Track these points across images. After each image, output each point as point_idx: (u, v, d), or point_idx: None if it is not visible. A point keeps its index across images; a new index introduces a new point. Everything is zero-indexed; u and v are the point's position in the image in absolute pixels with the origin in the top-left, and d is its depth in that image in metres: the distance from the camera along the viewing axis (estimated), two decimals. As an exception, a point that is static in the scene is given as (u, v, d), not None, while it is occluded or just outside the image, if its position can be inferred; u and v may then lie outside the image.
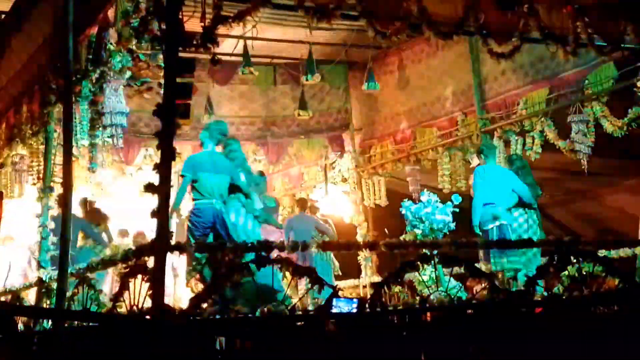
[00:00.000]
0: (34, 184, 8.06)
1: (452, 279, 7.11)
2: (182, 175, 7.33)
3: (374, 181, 11.90)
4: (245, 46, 9.74)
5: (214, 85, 10.89)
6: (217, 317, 5.79)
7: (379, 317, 6.23)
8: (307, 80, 10.31)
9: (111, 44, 6.70)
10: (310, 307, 6.13)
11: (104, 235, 9.88)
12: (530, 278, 6.69)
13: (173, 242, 5.78)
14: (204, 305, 5.80)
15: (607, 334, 6.35)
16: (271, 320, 5.92)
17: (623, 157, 9.50)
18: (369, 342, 5.99)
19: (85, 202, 10.05)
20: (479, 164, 8.36)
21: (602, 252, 7.49)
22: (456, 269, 6.93)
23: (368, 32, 6.53)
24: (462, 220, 8.16)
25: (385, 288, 6.41)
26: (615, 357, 6.22)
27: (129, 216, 10.90)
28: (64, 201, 6.65)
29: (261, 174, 9.80)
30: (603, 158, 9.23)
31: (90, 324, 6.41)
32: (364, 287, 10.79)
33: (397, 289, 6.82)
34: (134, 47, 6.58)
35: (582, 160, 8.91)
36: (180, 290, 9.33)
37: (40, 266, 7.33)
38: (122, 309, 6.08)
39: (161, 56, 6.13)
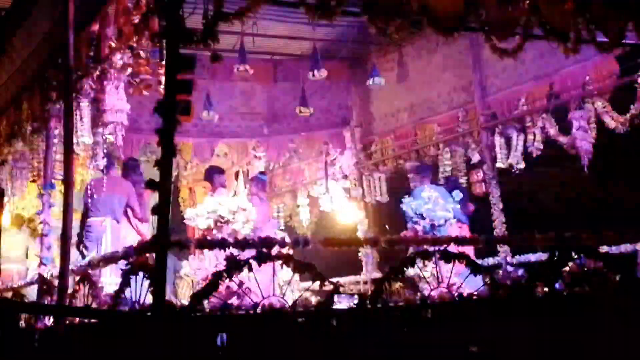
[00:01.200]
0: (34, 180, 8.07)
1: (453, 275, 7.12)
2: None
3: (375, 177, 11.90)
4: (241, 43, 9.72)
5: (214, 82, 10.86)
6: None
7: (379, 313, 6.23)
8: (313, 76, 10.27)
9: (112, 40, 6.70)
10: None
11: None
12: (532, 274, 6.69)
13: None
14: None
15: (607, 330, 6.36)
16: (272, 316, 5.93)
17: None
18: (370, 338, 5.99)
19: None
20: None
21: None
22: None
23: (369, 28, 6.52)
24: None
25: (386, 284, 6.42)
26: (615, 353, 6.23)
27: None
28: (65, 198, 6.66)
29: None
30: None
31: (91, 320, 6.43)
32: (365, 283, 10.80)
33: (397, 285, 6.83)
34: (134, 44, 6.58)
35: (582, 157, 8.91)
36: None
37: (41, 263, 7.35)
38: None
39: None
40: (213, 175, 9.54)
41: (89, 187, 8.68)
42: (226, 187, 9.68)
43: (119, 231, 8.60)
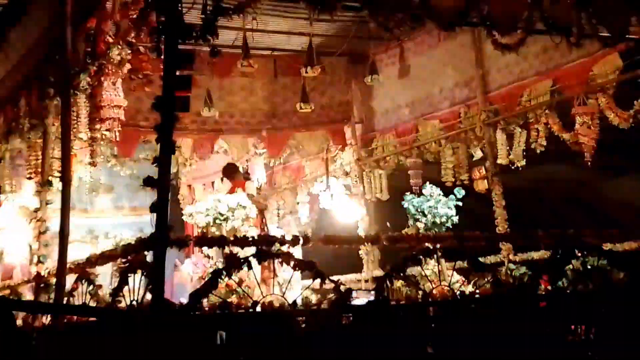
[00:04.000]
0: (32, 178, 8.02)
1: (455, 273, 7.07)
2: None
3: (376, 174, 11.83)
4: (244, 39, 9.64)
5: (214, 78, 10.79)
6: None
7: (381, 311, 6.18)
8: (306, 72, 10.20)
9: (110, 36, 6.63)
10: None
11: None
12: (535, 272, 6.64)
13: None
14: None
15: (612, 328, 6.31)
16: (273, 314, 5.88)
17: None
18: (371, 336, 5.94)
19: None
20: None
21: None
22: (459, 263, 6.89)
23: (370, 23, 6.46)
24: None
25: (388, 282, 6.37)
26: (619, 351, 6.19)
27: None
28: (63, 195, 6.60)
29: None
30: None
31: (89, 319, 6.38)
32: (366, 281, 10.74)
33: (399, 283, 6.77)
34: (132, 40, 6.51)
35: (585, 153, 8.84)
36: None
37: (39, 261, 7.29)
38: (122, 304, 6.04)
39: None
40: (235, 171, 9.75)
41: None
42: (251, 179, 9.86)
43: None
